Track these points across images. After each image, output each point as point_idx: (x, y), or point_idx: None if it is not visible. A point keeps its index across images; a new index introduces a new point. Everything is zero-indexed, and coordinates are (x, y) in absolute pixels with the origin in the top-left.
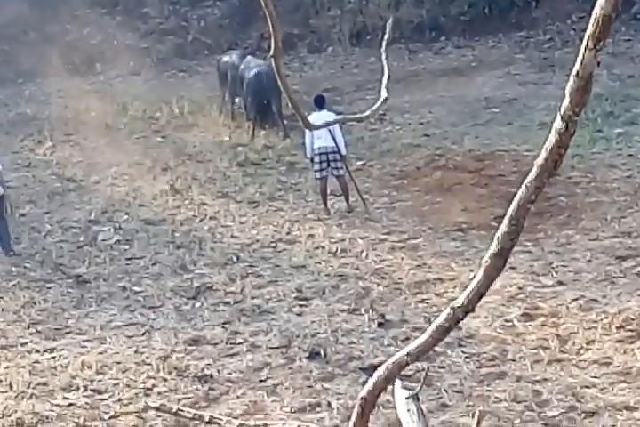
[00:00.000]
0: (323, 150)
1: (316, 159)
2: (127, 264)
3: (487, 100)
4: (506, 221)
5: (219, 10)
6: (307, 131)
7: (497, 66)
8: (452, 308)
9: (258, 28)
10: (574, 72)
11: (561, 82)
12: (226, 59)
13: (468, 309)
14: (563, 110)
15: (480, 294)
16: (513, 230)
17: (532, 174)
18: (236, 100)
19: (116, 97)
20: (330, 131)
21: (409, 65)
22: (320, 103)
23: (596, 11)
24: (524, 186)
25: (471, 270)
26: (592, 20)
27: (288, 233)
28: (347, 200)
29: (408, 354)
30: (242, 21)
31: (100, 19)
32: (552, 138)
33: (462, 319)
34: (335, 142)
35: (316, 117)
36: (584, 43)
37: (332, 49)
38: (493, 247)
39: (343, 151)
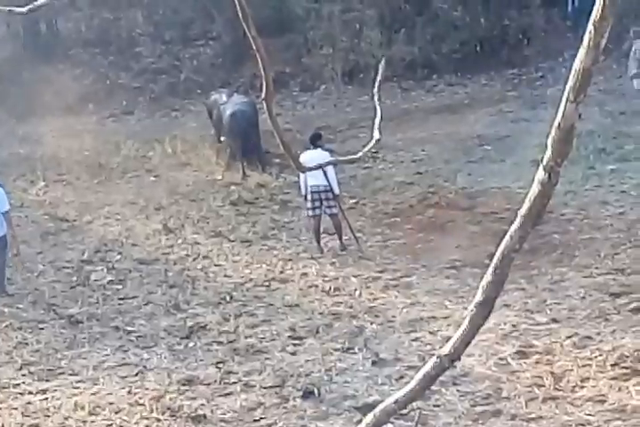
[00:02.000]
0: (315, 189)
1: (309, 197)
2: (120, 304)
3: (480, 138)
4: (490, 270)
5: (211, 49)
6: None
7: (489, 103)
8: (438, 356)
9: (250, 67)
10: (555, 124)
11: (553, 119)
12: (213, 97)
13: (454, 357)
14: (545, 161)
15: (466, 342)
16: (497, 280)
17: (516, 224)
18: (222, 139)
19: (108, 136)
20: (323, 170)
21: (401, 103)
22: (315, 141)
23: (576, 64)
24: (507, 236)
25: (465, 308)
26: (572, 74)
27: (281, 272)
28: (340, 239)
29: (396, 402)
30: (234, 60)
31: (92, 58)
32: (535, 188)
33: (449, 368)
34: (328, 181)
35: (309, 156)
36: (564, 95)
37: (325, 87)
38: (478, 296)
39: (336, 190)
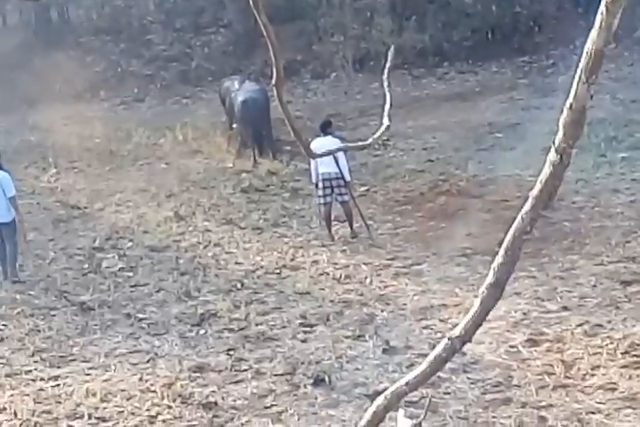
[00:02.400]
0: (326, 176)
1: (320, 185)
2: (131, 291)
3: (491, 126)
4: (501, 251)
5: (222, 37)
6: None
7: (500, 91)
8: (449, 338)
9: (261, 55)
10: (567, 105)
11: (564, 107)
12: (225, 84)
13: (466, 339)
14: (557, 143)
15: (477, 324)
16: (509, 261)
17: (527, 206)
18: (234, 126)
19: (120, 124)
20: (334, 157)
21: (412, 90)
22: (325, 128)
23: (588, 45)
24: (519, 217)
25: (475, 296)
26: (584, 54)
27: (292, 259)
28: (351, 226)
29: (407, 384)
30: (245, 48)
31: (104, 46)
32: (546, 170)
33: (460, 349)
34: (339, 168)
35: (320, 143)
36: (577, 76)
37: (336, 75)
38: (490, 278)
39: (347, 177)
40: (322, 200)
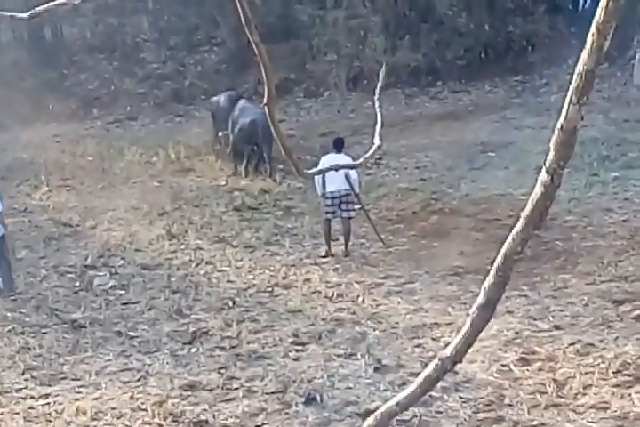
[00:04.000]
0: (335, 194)
1: (328, 202)
2: (123, 309)
3: (483, 145)
4: (492, 272)
5: (215, 55)
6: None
7: (493, 110)
8: (439, 358)
9: (254, 73)
10: (558, 126)
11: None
12: (215, 98)
13: (456, 359)
14: (548, 163)
15: (468, 344)
16: (500, 281)
17: (518, 226)
18: (220, 134)
19: (112, 142)
20: (345, 173)
21: (405, 109)
22: (338, 146)
23: (579, 66)
24: (510, 237)
25: (467, 315)
26: (575, 76)
27: (284, 278)
28: (346, 244)
29: (397, 404)
30: (238, 66)
31: (97, 64)
32: (537, 190)
33: (450, 370)
34: (350, 185)
35: (331, 159)
36: (568, 98)
37: (329, 93)
38: (480, 298)
39: (357, 190)
40: (329, 215)
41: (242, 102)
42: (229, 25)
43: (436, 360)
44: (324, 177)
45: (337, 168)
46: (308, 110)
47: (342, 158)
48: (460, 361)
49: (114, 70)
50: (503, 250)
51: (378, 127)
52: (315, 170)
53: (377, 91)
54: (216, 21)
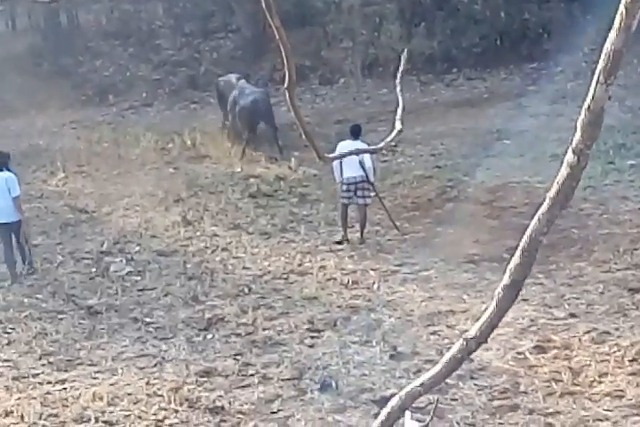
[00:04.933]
0: (351, 180)
1: (344, 188)
2: (139, 295)
3: (499, 132)
4: (518, 252)
5: (231, 42)
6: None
7: (508, 98)
8: (464, 339)
9: (270, 60)
10: (585, 106)
11: (573, 114)
12: (220, 79)
13: (481, 340)
14: (574, 144)
15: (493, 325)
16: (525, 262)
17: (544, 207)
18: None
19: (128, 128)
20: (359, 161)
21: (420, 97)
22: (355, 133)
23: (607, 45)
24: (535, 218)
25: (483, 302)
26: (603, 55)
27: (300, 265)
28: (361, 231)
29: (421, 385)
30: (254, 53)
31: (112, 50)
32: (563, 171)
33: (475, 350)
34: (365, 171)
35: (347, 146)
36: (595, 77)
37: (344, 81)
38: (506, 279)
39: (372, 179)
40: (345, 201)
41: (241, 83)
42: (245, 11)
43: (460, 340)
44: (341, 163)
45: (358, 152)
46: (323, 97)
47: (359, 145)
48: (486, 342)
49: (129, 57)
50: (529, 230)
51: (399, 112)
52: (335, 154)
53: (399, 76)
54: (231, 8)
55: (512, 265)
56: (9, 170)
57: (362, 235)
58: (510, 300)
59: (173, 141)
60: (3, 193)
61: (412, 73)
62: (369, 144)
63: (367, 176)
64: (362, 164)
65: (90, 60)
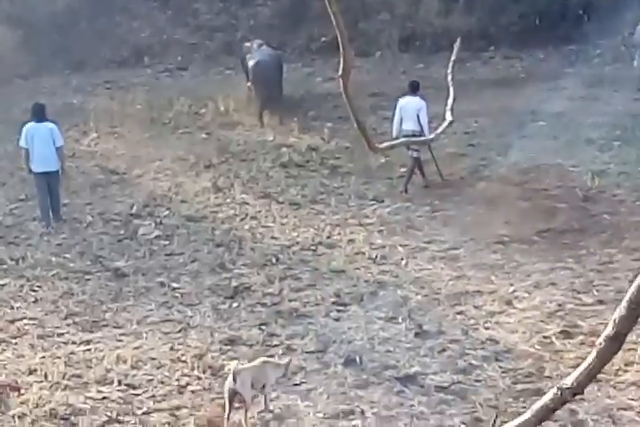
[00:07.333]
0: (406, 133)
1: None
2: (166, 260)
3: (534, 113)
4: (624, 303)
5: (269, 9)
6: (396, 112)
7: (545, 79)
8: (559, 388)
9: (306, 29)
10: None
11: (609, 98)
12: (247, 44)
13: (577, 390)
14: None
15: (591, 376)
16: (632, 314)
17: None
18: (248, 84)
19: (162, 91)
20: (417, 115)
21: (456, 74)
22: (414, 88)
23: None
24: None
25: (511, 284)
26: None
27: (328, 237)
28: (423, 175)
29: None
30: (291, 22)
31: (150, 12)
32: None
33: (569, 401)
34: (420, 125)
35: (406, 101)
36: None
37: (381, 54)
38: (609, 330)
39: (427, 133)
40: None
41: (261, 48)
42: None
43: (554, 389)
44: (400, 119)
45: (409, 142)
46: (359, 69)
47: (417, 101)
48: (581, 393)
49: (167, 19)
50: (637, 281)
51: (450, 102)
52: (387, 144)
53: (450, 65)
54: None
55: (616, 316)
56: (49, 121)
57: (424, 177)
58: (612, 352)
59: (207, 107)
60: (47, 143)
61: (448, 49)
62: (423, 96)
63: (422, 130)
64: (418, 118)
65: (127, 22)
